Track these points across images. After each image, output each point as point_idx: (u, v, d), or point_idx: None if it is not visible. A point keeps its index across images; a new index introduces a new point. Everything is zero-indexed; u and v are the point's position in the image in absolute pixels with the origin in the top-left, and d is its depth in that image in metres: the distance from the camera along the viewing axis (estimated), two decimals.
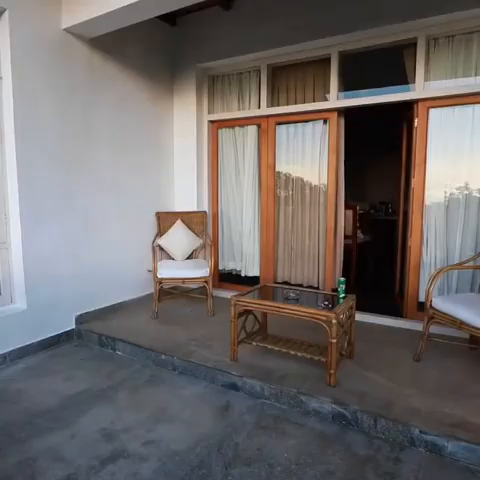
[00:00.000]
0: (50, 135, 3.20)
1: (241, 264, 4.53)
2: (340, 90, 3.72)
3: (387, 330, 3.44)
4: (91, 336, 3.38)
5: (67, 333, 3.43)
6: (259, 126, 4.22)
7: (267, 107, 4.10)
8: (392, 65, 3.64)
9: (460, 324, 2.49)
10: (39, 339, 3.20)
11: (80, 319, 3.53)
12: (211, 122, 4.51)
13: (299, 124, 4.01)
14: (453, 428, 2.00)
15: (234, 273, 4.62)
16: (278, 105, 4.09)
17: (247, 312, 2.83)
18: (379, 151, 6.15)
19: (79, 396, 2.53)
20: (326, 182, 3.91)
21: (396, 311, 3.70)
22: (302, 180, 4.12)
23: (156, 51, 4.22)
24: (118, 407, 2.40)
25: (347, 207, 4.75)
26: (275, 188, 4.20)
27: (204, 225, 4.28)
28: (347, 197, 4.22)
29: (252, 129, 4.28)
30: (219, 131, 4.50)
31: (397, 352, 2.92)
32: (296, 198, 4.15)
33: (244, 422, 2.25)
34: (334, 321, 2.33)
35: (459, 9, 3.01)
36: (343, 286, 2.73)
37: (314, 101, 3.89)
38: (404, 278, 3.72)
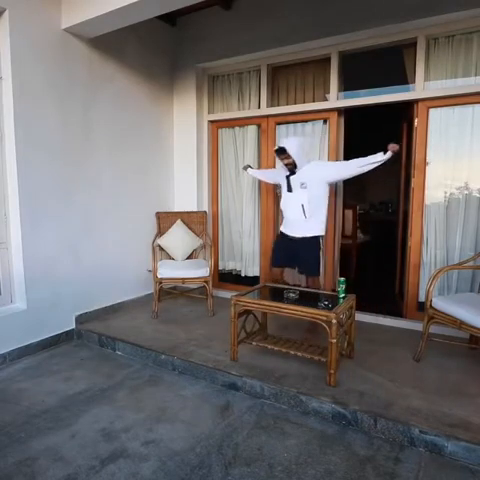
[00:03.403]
0: (50, 135, 3.20)
1: (241, 264, 4.52)
2: (340, 90, 3.72)
3: (387, 330, 3.44)
4: (91, 336, 3.38)
5: (67, 333, 3.43)
6: (259, 126, 4.22)
7: (267, 107, 4.10)
8: (392, 65, 3.64)
9: (460, 324, 2.49)
10: (39, 339, 3.20)
11: (80, 319, 3.53)
12: (211, 122, 4.50)
13: (299, 124, 4.00)
14: (453, 428, 2.00)
15: (234, 273, 4.62)
16: (278, 105, 4.09)
17: (247, 312, 2.83)
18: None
19: (79, 396, 2.53)
20: None
21: (396, 311, 3.70)
22: None
23: (156, 51, 4.22)
24: (118, 407, 2.40)
25: (347, 207, 4.76)
26: (275, 188, 4.20)
27: (204, 225, 4.28)
28: (347, 197, 4.22)
29: (252, 129, 4.28)
30: (219, 131, 4.50)
31: (397, 352, 2.92)
32: None
33: (244, 422, 2.25)
34: (334, 321, 2.33)
35: (459, 9, 3.01)
36: (343, 286, 2.73)
37: (314, 101, 3.88)
38: (404, 278, 3.71)
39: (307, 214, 3.15)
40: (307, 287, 3.23)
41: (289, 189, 3.24)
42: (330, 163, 3.17)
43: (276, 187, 3.84)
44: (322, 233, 3.23)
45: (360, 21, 3.35)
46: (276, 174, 3.52)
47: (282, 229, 3.40)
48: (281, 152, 3.12)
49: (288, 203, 3.28)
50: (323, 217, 3.23)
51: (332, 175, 3.22)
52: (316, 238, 3.19)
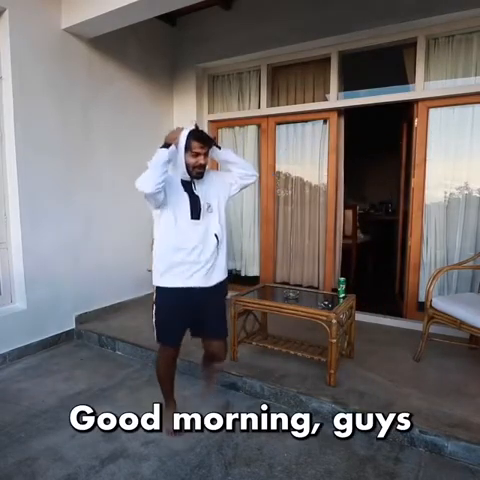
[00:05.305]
0: (50, 135, 3.20)
1: (241, 264, 4.52)
2: (340, 90, 3.72)
3: (387, 330, 3.44)
4: (91, 336, 3.38)
5: (67, 333, 3.43)
6: (259, 126, 4.22)
7: (267, 107, 4.10)
8: (392, 65, 3.64)
9: (460, 324, 2.49)
10: (39, 339, 3.20)
11: (80, 319, 3.53)
12: (211, 122, 4.50)
13: (299, 124, 4.00)
14: (453, 428, 2.00)
15: (234, 273, 4.60)
16: (278, 105, 4.09)
17: (247, 312, 2.83)
18: (379, 151, 6.16)
19: (79, 396, 2.53)
20: (326, 182, 3.91)
21: (396, 311, 3.70)
22: (302, 180, 4.12)
23: (156, 51, 4.22)
24: (118, 407, 2.39)
25: (347, 207, 4.75)
26: (275, 188, 4.20)
27: None
28: (347, 197, 4.23)
29: (252, 129, 4.27)
30: (219, 131, 4.50)
31: (397, 352, 2.92)
32: (296, 198, 4.15)
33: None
34: (334, 321, 2.33)
35: (459, 9, 3.01)
36: (343, 286, 2.73)
37: (314, 101, 3.88)
38: (404, 278, 3.71)
39: (220, 248, 2.07)
40: (210, 365, 2.29)
41: (195, 215, 2.02)
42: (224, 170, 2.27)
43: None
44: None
45: (360, 21, 3.35)
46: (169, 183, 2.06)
47: (173, 284, 2.01)
48: (210, 144, 2.02)
49: (191, 238, 2.00)
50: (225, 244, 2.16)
51: (235, 177, 2.13)
52: (226, 280, 2.17)
